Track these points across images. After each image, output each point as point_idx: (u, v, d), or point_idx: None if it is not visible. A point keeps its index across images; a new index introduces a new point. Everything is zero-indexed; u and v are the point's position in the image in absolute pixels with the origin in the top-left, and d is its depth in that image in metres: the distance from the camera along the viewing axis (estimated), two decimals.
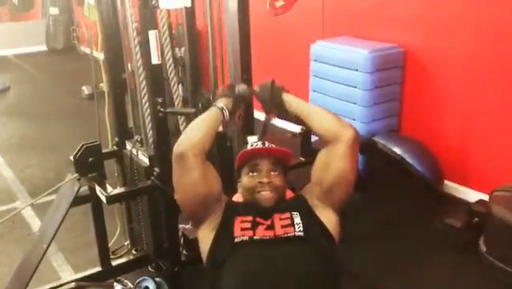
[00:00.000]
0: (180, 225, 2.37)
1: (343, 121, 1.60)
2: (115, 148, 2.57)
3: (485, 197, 2.90)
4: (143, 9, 1.98)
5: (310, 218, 1.51)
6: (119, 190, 2.23)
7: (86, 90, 5.65)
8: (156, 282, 2.33)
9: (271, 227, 1.48)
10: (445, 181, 3.23)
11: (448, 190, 3.25)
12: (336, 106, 3.34)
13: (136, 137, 2.43)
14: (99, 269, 2.43)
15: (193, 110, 2.09)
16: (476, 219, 2.72)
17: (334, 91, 3.47)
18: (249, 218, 1.51)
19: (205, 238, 1.55)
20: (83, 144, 2.27)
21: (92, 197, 2.31)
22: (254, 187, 1.57)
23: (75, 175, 2.28)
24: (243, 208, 1.57)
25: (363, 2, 3.67)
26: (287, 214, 1.51)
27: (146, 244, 2.54)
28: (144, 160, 2.34)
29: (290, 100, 1.71)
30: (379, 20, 3.54)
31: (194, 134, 1.55)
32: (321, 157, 1.60)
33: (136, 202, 2.51)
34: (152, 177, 2.25)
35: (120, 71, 2.45)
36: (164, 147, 2.19)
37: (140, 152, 2.39)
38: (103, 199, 2.17)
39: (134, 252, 2.71)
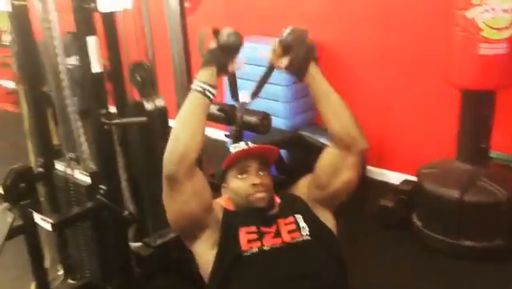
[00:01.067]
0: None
1: (360, 128, 1.47)
2: (40, 170, 2.32)
3: (407, 177, 3.13)
4: (79, 13, 1.80)
5: (313, 220, 1.48)
6: (67, 215, 2.01)
7: None
8: None
9: (278, 234, 1.41)
10: (367, 166, 3.41)
11: (370, 175, 3.44)
12: (258, 104, 3.35)
13: (70, 155, 2.21)
14: None
15: (144, 118, 1.96)
16: (403, 197, 2.92)
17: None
18: (254, 228, 1.42)
19: (205, 255, 1.44)
20: (12, 169, 2.02)
21: (27, 228, 2.06)
22: (248, 190, 1.49)
23: (5, 205, 2.02)
24: (243, 217, 1.47)
25: (270, 1, 3.73)
26: (291, 218, 1.46)
27: (89, 270, 2.33)
28: (84, 178, 2.14)
29: (316, 72, 1.46)
30: (290, 17, 3.63)
31: (179, 146, 1.33)
32: (328, 160, 1.49)
33: (73, 227, 2.29)
34: (98, 196, 2.06)
35: (39, 85, 2.22)
36: (111, 162, 2.03)
37: (76, 172, 2.18)
38: (48, 227, 1.94)
39: (71, 281, 2.47)
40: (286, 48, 1.43)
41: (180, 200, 1.37)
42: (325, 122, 1.46)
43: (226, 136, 2.66)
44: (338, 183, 1.48)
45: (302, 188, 1.58)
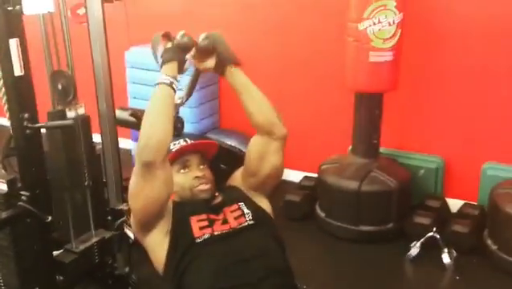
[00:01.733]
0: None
1: (279, 116, 1.61)
2: None
3: (307, 174, 3.42)
4: (2, 15, 1.77)
5: (253, 206, 1.61)
6: None
7: None
8: None
9: (226, 221, 1.53)
10: None
11: None
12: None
13: None
14: None
15: (71, 121, 1.96)
16: (307, 192, 3.19)
17: None
18: (204, 216, 1.53)
19: (158, 245, 1.51)
20: None
21: None
22: (192, 183, 1.60)
23: None
24: (192, 207, 1.56)
25: (169, 8, 3.82)
26: (235, 206, 1.58)
27: (4, 283, 2.22)
28: (0, 186, 2.06)
29: (237, 71, 1.60)
30: (190, 24, 3.74)
31: (156, 134, 1.39)
32: (255, 149, 1.62)
33: None
34: (21, 203, 2.00)
35: None
36: (37, 167, 1.99)
37: None
38: None
39: None
40: (204, 51, 1.58)
41: (152, 186, 1.43)
42: (248, 114, 1.60)
43: None
44: (267, 168, 1.62)
45: (237, 179, 1.71)
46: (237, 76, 1.60)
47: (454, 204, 3.08)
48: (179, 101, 1.55)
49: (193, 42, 1.54)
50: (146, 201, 1.47)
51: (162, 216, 1.52)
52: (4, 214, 2.00)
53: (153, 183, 1.43)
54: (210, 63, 1.60)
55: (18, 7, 1.76)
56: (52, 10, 1.92)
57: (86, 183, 2.23)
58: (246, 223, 1.54)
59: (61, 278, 2.23)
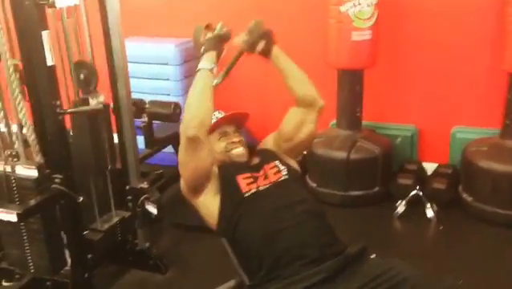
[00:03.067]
0: None
1: (317, 90, 1.84)
2: None
3: None
4: (33, 8, 1.89)
5: (286, 164, 1.84)
6: (28, 205, 2.04)
7: None
8: None
9: (266, 176, 1.76)
10: None
11: None
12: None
13: (8, 152, 2.22)
14: None
15: (101, 106, 2.10)
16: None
17: (146, 87, 3.65)
18: (248, 175, 1.74)
19: (211, 203, 1.70)
20: None
21: None
22: (230, 148, 1.81)
23: None
24: (235, 168, 1.77)
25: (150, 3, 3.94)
26: (272, 164, 1.81)
27: (34, 265, 2.34)
28: (30, 172, 2.18)
29: (279, 52, 1.80)
30: (170, 16, 3.89)
31: (199, 111, 1.59)
32: (294, 117, 1.84)
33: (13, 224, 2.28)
34: (55, 185, 2.14)
35: None
36: (66, 151, 2.13)
37: (19, 167, 2.20)
38: (12, 218, 1.97)
39: (5, 284, 2.44)
40: (256, 36, 1.79)
41: (199, 157, 1.64)
42: (291, 90, 1.84)
43: (139, 127, 2.85)
44: (303, 135, 1.87)
45: (269, 143, 1.94)
46: (281, 57, 1.83)
47: (429, 167, 3.43)
48: (214, 83, 1.75)
49: (230, 33, 1.76)
50: (194, 169, 1.67)
51: (209, 179, 1.72)
52: (39, 197, 2.13)
53: (198, 153, 1.64)
54: (260, 46, 1.81)
55: (51, 1, 1.89)
56: (78, 2, 2.05)
57: (109, 167, 2.39)
58: (283, 177, 1.77)
59: (90, 256, 2.39)
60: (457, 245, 2.78)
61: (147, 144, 3.02)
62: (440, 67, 3.33)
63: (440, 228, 2.92)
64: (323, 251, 1.60)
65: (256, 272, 1.62)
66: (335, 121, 3.37)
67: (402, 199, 3.05)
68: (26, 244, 2.30)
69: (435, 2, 3.24)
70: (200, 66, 1.68)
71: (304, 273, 1.54)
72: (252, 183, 1.72)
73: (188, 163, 1.66)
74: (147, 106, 2.89)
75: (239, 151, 1.82)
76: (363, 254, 1.66)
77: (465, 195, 3.03)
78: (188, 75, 3.72)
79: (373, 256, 1.67)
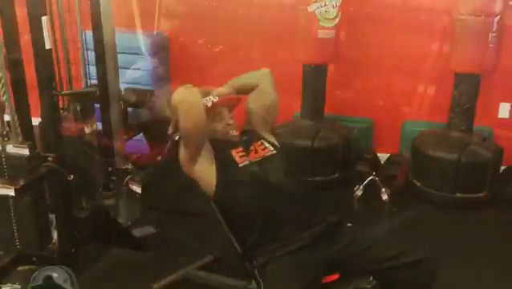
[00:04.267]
0: None
1: (255, 72, 2.13)
2: None
3: None
4: None
5: (270, 142, 2.08)
6: (23, 181, 2.14)
7: None
8: (60, 268, 2.34)
9: (256, 151, 2.00)
10: None
11: None
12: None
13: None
14: None
15: (94, 88, 2.24)
16: None
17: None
18: (241, 149, 1.98)
19: (206, 172, 1.89)
20: None
21: None
22: (225, 129, 2.01)
23: None
24: (229, 144, 1.99)
25: None
26: (260, 142, 2.05)
27: (21, 242, 2.43)
28: (21, 151, 2.27)
29: (222, 91, 2.04)
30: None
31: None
32: (255, 100, 2.10)
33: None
34: (47, 163, 2.25)
35: None
36: (58, 132, 2.25)
37: (10, 147, 2.29)
38: (10, 192, 2.07)
39: None
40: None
41: (201, 119, 1.86)
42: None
43: None
44: (271, 108, 2.13)
45: (249, 125, 2.14)
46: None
47: (382, 156, 3.76)
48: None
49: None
50: (198, 132, 1.88)
51: (202, 146, 1.91)
52: (35, 173, 2.23)
53: (201, 115, 1.86)
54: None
55: None
56: None
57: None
58: (270, 153, 2.02)
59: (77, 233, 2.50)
60: (408, 224, 3.11)
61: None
62: (394, 65, 3.67)
63: (394, 210, 3.25)
64: (309, 219, 1.85)
65: (248, 235, 1.85)
66: (298, 113, 3.64)
67: (360, 184, 3.36)
68: (14, 221, 2.39)
69: (392, 7, 3.57)
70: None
71: (294, 237, 1.78)
72: (244, 156, 1.96)
73: (193, 127, 1.85)
74: (123, 93, 3.04)
75: (234, 132, 2.04)
76: (340, 222, 1.92)
77: (414, 181, 3.38)
78: (158, 65, 3.86)
79: (349, 224, 1.93)
